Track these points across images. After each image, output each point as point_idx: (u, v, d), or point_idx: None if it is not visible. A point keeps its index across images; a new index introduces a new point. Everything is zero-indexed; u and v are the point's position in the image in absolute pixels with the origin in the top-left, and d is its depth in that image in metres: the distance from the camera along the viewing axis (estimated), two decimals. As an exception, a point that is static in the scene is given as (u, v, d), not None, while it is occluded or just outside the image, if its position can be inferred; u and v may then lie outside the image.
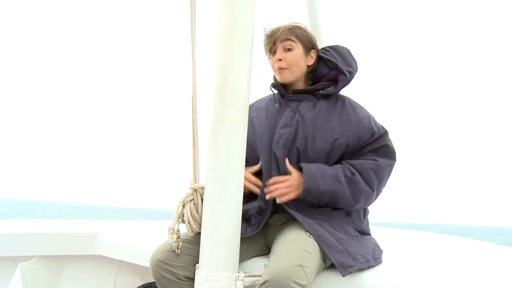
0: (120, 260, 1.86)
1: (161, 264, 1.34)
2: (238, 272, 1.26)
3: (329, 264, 1.35)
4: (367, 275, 1.30)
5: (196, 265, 1.29)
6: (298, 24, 1.62)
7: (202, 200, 1.31)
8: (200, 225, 1.30)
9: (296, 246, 1.26)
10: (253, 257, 1.45)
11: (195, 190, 1.33)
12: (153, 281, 1.49)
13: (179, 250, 1.33)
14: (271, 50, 1.59)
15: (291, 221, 1.46)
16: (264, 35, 1.63)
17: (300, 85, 1.60)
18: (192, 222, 1.32)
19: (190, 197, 1.33)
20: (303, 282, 1.15)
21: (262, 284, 1.17)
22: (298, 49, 1.58)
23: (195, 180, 1.33)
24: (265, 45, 1.62)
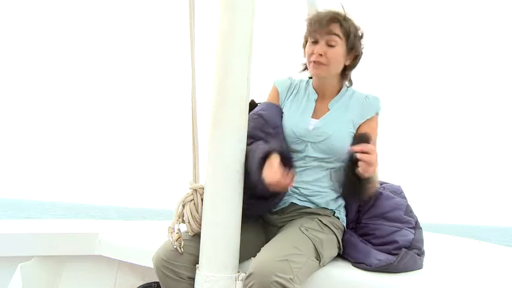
0: (120, 260, 1.86)
1: (165, 264, 1.34)
2: (238, 272, 1.26)
3: (326, 262, 1.36)
4: (366, 275, 1.31)
5: (197, 265, 1.29)
6: (350, 18, 1.52)
7: (202, 200, 1.31)
8: (200, 225, 1.30)
9: (285, 241, 1.26)
10: (253, 257, 1.45)
11: (195, 190, 1.33)
12: (153, 281, 1.48)
13: (182, 249, 1.33)
14: (313, 38, 1.51)
15: (294, 219, 1.47)
16: (310, 19, 1.54)
17: (333, 83, 1.58)
18: (192, 222, 1.32)
19: (190, 197, 1.33)
20: (287, 276, 1.15)
21: (247, 277, 1.18)
22: (341, 46, 1.50)
23: (195, 180, 1.33)
24: (308, 30, 1.53)
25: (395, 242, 1.42)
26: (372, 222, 1.51)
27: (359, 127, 1.53)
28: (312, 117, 1.55)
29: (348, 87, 1.62)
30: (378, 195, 1.55)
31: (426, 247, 1.48)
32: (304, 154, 1.51)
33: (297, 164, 1.51)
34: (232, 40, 1.25)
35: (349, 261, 1.43)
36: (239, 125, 1.27)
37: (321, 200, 1.51)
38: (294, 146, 1.53)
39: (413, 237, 1.45)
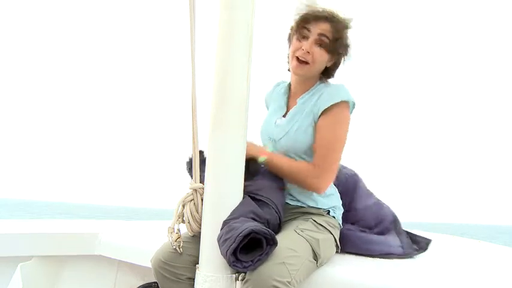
0: (120, 260, 1.86)
1: (163, 265, 1.34)
2: (238, 272, 1.26)
3: (324, 262, 1.37)
4: (365, 275, 1.31)
5: (197, 265, 1.29)
6: (342, 21, 1.49)
7: (202, 200, 1.31)
8: (200, 225, 1.30)
9: (281, 244, 1.25)
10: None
11: (195, 190, 1.32)
12: (153, 281, 1.48)
13: (181, 249, 1.33)
14: (302, 34, 1.49)
15: (288, 221, 1.47)
16: (304, 14, 1.50)
17: (310, 82, 1.56)
18: (192, 222, 1.32)
19: (190, 197, 1.33)
20: (285, 280, 1.15)
21: (245, 282, 1.18)
22: (328, 47, 1.49)
23: (195, 180, 1.33)
24: (299, 25, 1.50)
25: (385, 217, 1.68)
26: (360, 207, 1.69)
27: (319, 119, 1.47)
28: (285, 115, 1.59)
29: (319, 82, 1.57)
30: (357, 184, 1.73)
31: None
32: (273, 152, 1.54)
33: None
34: (232, 40, 1.25)
35: (366, 255, 1.54)
36: (239, 125, 1.27)
37: (307, 199, 1.51)
38: (266, 144, 1.59)
39: (389, 208, 1.74)
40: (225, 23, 1.26)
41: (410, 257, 1.59)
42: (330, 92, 1.48)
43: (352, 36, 1.54)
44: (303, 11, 1.52)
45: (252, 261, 1.17)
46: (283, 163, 1.47)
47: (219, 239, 1.21)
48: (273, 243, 1.19)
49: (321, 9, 1.50)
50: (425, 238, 1.70)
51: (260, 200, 1.36)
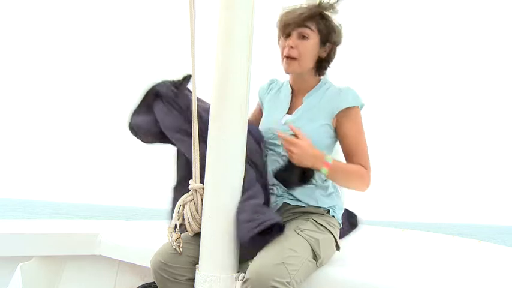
0: (120, 260, 1.86)
1: (162, 266, 1.34)
2: (238, 272, 1.26)
3: (324, 262, 1.36)
4: (365, 275, 1.31)
5: (197, 265, 1.29)
6: (321, 12, 1.50)
7: (202, 200, 1.31)
8: (200, 225, 1.30)
9: (282, 244, 1.25)
10: (253, 257, 1.45)
11: (195, 190, 1.33)
12: (153, 281, 1.49)
13: (181, 249, 1.34)
14: (285, 32, 1.50)
15: (288, 221, 1.47)
16: (281, 14, 1.53)
17: (309, 78, 1.56)
18: (192, 222, 1.32)
19: (190, 197, 1.33)
20: (284, 280, 1.15)
21: (244, 282, 1.18)
22: (314, 39, 1.49)
23: (195, 180, 1.33)
24: (279, 25, 1.52)
25: None
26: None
27: (338, 123, 1.49)
28: (288, 113, 1.56)
29: (323, 81, 1.58)
30: None
31: (425, 247, 1.48)
32: (279, 150, 1.51)
33: (277, 161, 1.51)
34: (232, 40, 1.25)
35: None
36: (239, 125, 1.27)
37: (308, 198, 1.50)
38: (270, 143, 1.54)
39: None
40: (225, 23, 1.26)
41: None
42: (346, 94, 1.49)
43: (340, 21, 1.54)
44: (280, 12, 1.55)
45: (257, 241, 1.26)
46: (346, 171, 1.46)
47: (238, 211, 1.27)
48: (281, 231, 1.30)
49: (297, 6, 1.52)
50: (353, 212, 1.81)
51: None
